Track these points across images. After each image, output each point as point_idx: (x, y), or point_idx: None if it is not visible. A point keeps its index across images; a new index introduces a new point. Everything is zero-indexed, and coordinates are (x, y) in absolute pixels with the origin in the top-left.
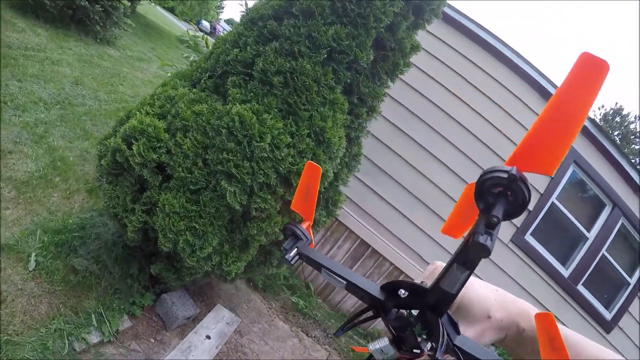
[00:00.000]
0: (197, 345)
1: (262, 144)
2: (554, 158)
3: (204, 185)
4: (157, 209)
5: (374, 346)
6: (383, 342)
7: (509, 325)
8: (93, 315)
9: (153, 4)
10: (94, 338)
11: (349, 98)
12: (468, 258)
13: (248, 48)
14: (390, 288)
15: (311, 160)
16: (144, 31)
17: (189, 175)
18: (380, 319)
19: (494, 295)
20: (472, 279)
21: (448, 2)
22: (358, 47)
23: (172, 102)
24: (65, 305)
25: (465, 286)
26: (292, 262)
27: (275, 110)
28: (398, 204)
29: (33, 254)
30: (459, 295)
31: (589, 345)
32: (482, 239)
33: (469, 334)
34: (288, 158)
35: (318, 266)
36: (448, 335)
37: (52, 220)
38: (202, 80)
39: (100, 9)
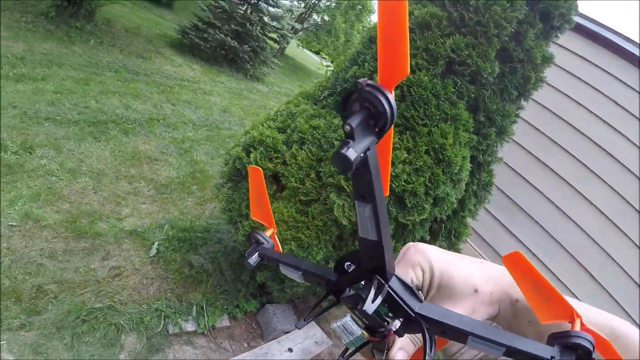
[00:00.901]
0: (275, 355)
1: None
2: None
3: (314, 197)
4: None
5: (335, 324)
6: (344, 319)
7: (500, 298)
8: (195, 307)
9: (301, 46)
10: (189, 326)
11: (474, 115)
12: (356, 187)
13: (366, 65)
14: (340, 266)
15: (430, 180)
16: (292, 71)
17: (301, 186)
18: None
19: (479, 268)
20: (453, 255)
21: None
22: (480, 57)
23: (293, 117)
24: (172, 292)
25: (445, 263)
26: (252, 264)
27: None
28: (535, 247)
29: (156, 243)
30: (438, 273)
31: (590, 311)
32: (341, 149)
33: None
34: (403, 175)
35: (276, 262)
36: (406, 304)
37: (182, 219)
38: (323, 98)
39: (248, 49)
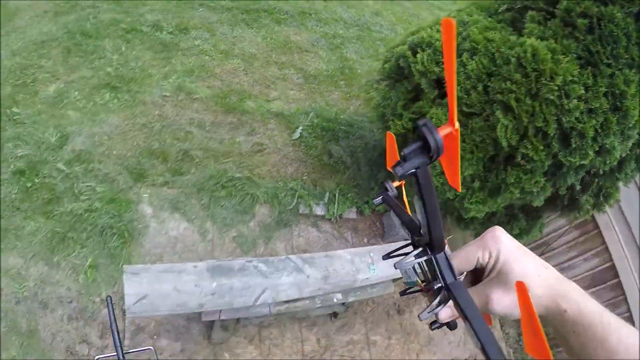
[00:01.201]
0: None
1: (551, 84)
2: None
3: (477, 111)
4: None
5: (402, 264)
6: (409, 265)
7: (547, 304)
8: (327, 194)
9: None
10: (318, 210)
11: None
12: (415, 189)
13: None
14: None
15: (601, 125)
16: None
17: (466, 96)
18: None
19: (540, 271)
20: (524, 252)
21: None
22: None
23: (465, 25)
24: (309, 176)
25: (511, 257)
26: (376, 205)
27: (574, 55)
28: None
29: (300, 127)
30: (502, 262)
31: (617, 329)
32: (394, 166)
33: (504, 302)
34: (575, 112)
35: (391, 209)
36: (442, 274)
37: (327, 110)
38: (499, 12)
39: None
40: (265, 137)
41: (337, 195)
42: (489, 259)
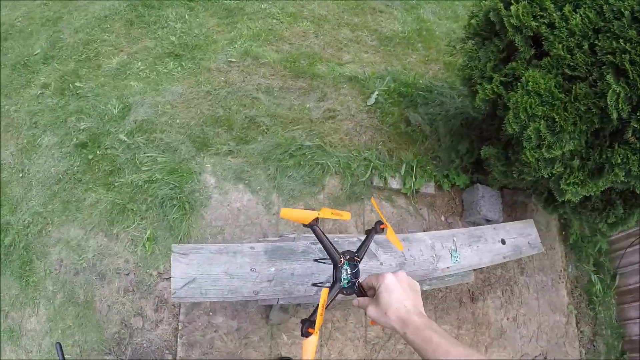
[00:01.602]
0: (487, 240)
1: None
2: None
3: (582, 74)
4: (519, 84)
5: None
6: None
7: (394, 325)
8: (404, 165)
9: None
10: (393, 183)
11: None
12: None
13: None
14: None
15: None
16: None
17: (569, 56)
18: None
19: (398, 304)
20: (397, 290)
21: None
22: None
23: None
24: (384, 145)
25: (386, 290)
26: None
27: None
28: None
29: (376, 92)
30: (379, 290)
31: (454, 346)
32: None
33: (373, 313)
34: None
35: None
36: (336, 276)
37: (404, 74)
38: None
39: None
40: (337, 103)
41: (414, 167)
42: (377, 286)
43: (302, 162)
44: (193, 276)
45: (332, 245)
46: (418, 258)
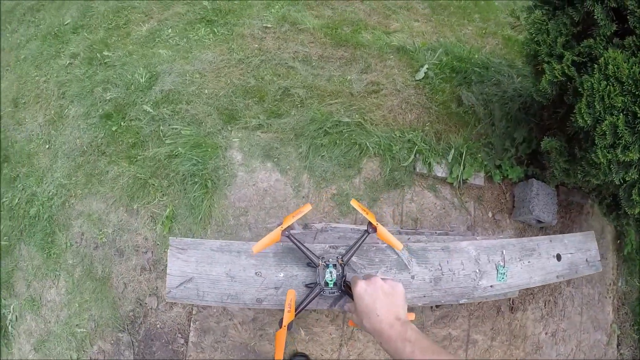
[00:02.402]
0: (541, 255)
1: None
2: None
3: None
4: (596, 66)
5: (327, 271)
6: (330, 272)
7: (364, 325)
8: (452, 151)
9: None
10: (439, 171)
11: None
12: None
13: None
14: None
15: None
16: None
17: None
18: None
19: (369, 310)
20: (369, 298)
21: None
22: None
23: None
24: (432, 126)
25: (359, 297)
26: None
27: None
28: None
29: (425, 66)
30: (353, 292)
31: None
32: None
33: (353, 316)
34: None
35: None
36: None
37: (459, 47)
38: None
39: None
40: (382, 76)
41: (464, 154)
42: (353, 292)
43: (338, 141)
44: (190, 275)
45: (309, 250)
46: (458, 273)
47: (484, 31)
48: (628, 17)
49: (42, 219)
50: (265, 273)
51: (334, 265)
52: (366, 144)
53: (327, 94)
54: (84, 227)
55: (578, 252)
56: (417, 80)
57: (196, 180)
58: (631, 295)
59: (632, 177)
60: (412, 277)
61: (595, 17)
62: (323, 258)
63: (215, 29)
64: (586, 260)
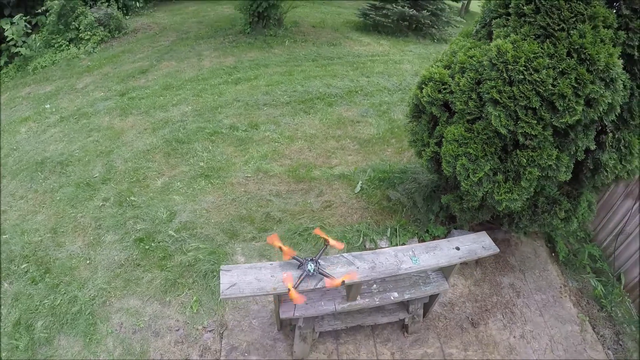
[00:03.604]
0: (443, 248)
1: (517, 66)
2: None
3: (477, 115)
4: (443, 139)
5: (308, 261)
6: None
7: None
8: (389, 229)
9: None
10: (382, 243)
11: (616, 10)
12: None
13: None
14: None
15: (576, 80)
16: None
17: (465, 107)
18: None
19: None
20: None
21: None
22: None
23: (455, 54)
24: (372, 218)
25: None
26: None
27: (532, 37)
28: None
29: (360, 182)
30: None
31: None
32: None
33: None
34: (548, 80)
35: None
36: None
37: (382, 164)
38: (475, 31)
39: (428, 14)
40: (331, 195)
41: (397, 229)
42: None
43: (307, 239)
44: (234, 282)
45: (296, 257)
46: (385, 262)
47: (400, 149)
48: (451, 105)
49: (84, 314)
50: (276, 275)
51: (312, 260)
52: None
53: (296, 213)
54: (123, 319)
55: (473, 243)
56: (356, 192)
57: (215, 274)
58: (587, 289)
59: (488, 187)
60: (357, 268)
61: (434, 113)
62: (306, 259)
63: (212, 181)
64: (482, 247)
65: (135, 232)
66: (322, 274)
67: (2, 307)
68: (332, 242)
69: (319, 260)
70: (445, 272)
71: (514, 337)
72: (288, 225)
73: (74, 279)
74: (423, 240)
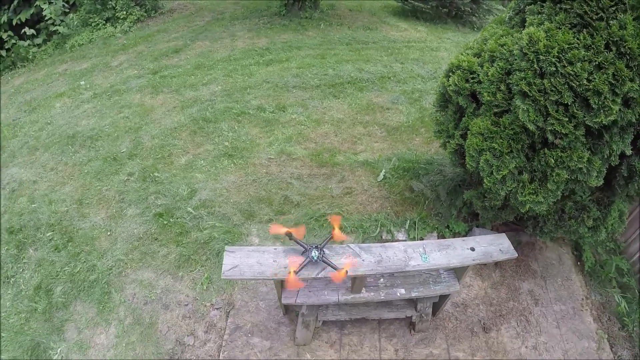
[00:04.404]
0: (457, 248)
1: (549, 57)
2: None
3: (505, 107)
4: (469, 132)
5: (313, 248)
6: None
7: None
8: (408, 222)
9: None
10: (400, 235)
11: None
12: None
13: None
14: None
15: (613, 77)
16: None
17: (493, 99)
18: None
19: None
20: None
21: None
22: None
23: (486, 41)
24: (392, 209)
25: None
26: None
27: (568, 25)
28: None
29: (383, 171)
30: None
31: None
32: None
33: None
34: (583, 74)
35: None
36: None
37: (408, 154)
38: (509, 18)
39: (468, 1)
40: (353, 182)
41: (417, 222)
42: None
43: (324, 225)
44: (237, 264)
45: (301, 242)
46: (392, 257)
47: (429, 140)
48: (478, 96)
49: (100, 283)
50: (279, 260)
51: (316, 247)
52: (344, 224)
53: (316, 198)
54: (136, 290)
55: (490, 245)
56: (379, 181)
57: None
58: (610, 304)
59: (512, 186)
60: (363, 260)
61: (461, 103)
62: (310, 246)
63: (235, 161)
64: (499, 250)
65: (156, 207)
66: (325, 263)
67: (25, 271)
68: (336, 232)
69: (324, 249)
70: (457, 272)
71: (526, 347)
72: (305, 210)
73: (94, 249)
74: (443, 236)
